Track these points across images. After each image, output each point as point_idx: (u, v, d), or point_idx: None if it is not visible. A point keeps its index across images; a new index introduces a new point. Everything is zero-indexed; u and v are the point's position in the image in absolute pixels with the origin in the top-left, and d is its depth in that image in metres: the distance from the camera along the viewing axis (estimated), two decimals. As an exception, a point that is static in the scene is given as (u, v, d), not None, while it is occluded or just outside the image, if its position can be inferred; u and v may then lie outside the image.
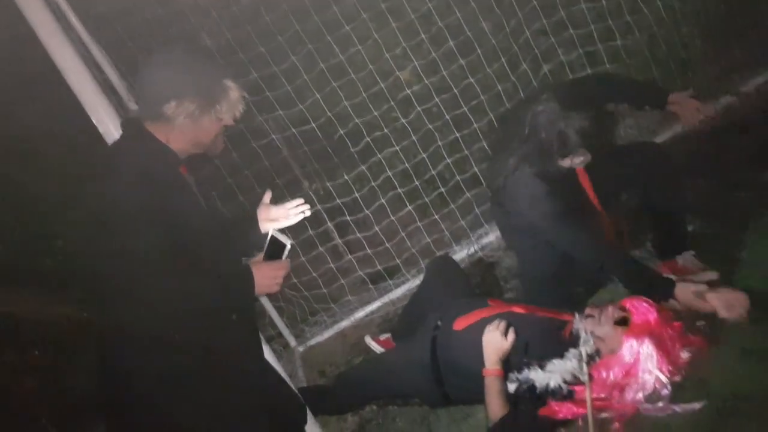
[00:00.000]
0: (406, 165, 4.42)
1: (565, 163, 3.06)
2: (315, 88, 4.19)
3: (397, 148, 4.40)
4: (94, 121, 3.22)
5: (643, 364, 2.60)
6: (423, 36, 4.06)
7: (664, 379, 2.58)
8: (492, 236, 4.42)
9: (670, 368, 2.60)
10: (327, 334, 4.41)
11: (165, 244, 2.12)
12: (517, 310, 3.03)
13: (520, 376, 2.78)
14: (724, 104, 4.63)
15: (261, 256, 2.48)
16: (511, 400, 2.79)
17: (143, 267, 2.11)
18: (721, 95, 4.66)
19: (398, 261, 4.43)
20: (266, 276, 2.36)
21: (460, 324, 3.07)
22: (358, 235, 4.36)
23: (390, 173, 4.32)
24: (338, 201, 4.30)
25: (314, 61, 4.17)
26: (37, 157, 4.56)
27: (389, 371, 3.30)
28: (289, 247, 2.47)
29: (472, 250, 4.39)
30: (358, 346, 4.06)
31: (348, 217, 4.36)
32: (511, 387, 2.78)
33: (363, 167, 4.33)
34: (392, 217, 4.29)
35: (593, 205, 3.25)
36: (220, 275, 2.31)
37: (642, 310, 2.69)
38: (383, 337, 3.79)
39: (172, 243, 2.13)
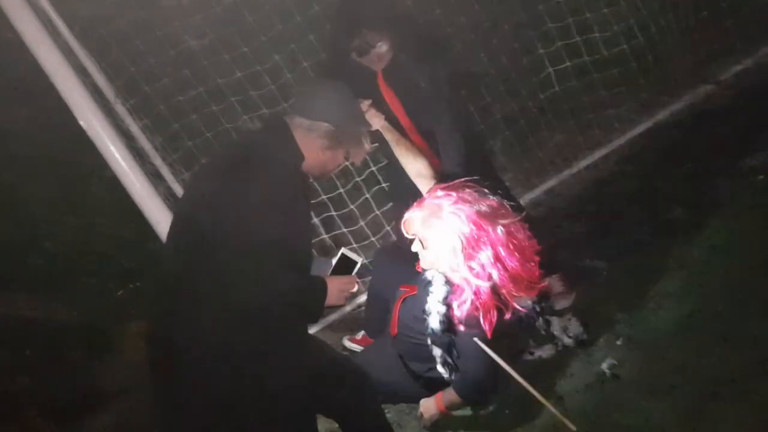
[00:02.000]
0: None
1: None
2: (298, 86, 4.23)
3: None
4: (81, 123, 3.29)
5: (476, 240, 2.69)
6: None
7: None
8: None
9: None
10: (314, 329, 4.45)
11: (279, 241, 2.30)
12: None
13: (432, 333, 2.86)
14: (703, 92, 4.70)
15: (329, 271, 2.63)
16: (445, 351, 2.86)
17: (255, 254, 2.26)
18: (700, 84, 4.74)
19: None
20: (338, 288, 2.50)
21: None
22: (344, 230, 4.40)
23: (374, 168, 4.37)
24: (324, 197, 4.34)
25: (297, 60, 4.21)
26: (25, 160, 4.59)
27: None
28: (359, 264, 2.64)
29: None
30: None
31: (334, 213, 4.40)
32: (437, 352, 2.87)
33: (347, 163, 4.37)
34: (377, 212, 4.34)
35: None
36: (302, 282, 2.47)
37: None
38: (359, 335, 3.84)
39: (283, 241, 2.31)
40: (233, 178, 2.37)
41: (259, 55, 4.14)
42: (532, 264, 2.75)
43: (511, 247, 2.69)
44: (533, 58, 4.63)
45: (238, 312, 2.27)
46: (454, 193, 2.76)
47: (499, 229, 2.68)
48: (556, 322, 3.29)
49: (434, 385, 3.04)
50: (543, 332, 3.20)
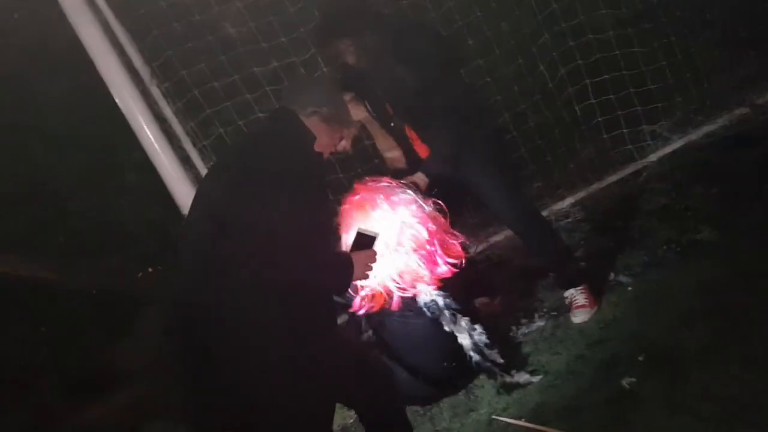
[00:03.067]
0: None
1: None
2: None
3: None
4: (117, 101, 3.30)
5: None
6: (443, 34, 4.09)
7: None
8: (501, 236, 4.45)
9: None
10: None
11: (300, 218, 2.37)
12: None
13: None
14: (738, 115, 4.65)
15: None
16: None
17: (284, 234, 2.31)
18: (736, 106, 4.69)
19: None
20: (362, 263, 2.60)
21: None
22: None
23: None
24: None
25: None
26: (59, 136, 4.61)
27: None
28: (379, 237, 2.72)
29: (478, 249, 4.40)
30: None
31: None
32: None
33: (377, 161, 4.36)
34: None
35: None
36: (329, 257, 2.60)
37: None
38: None
39: (309, 218, 2.42)
40: (252, 162, 2.50)
41: (297, 46, 4.14)
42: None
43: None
44: (571, 69, 4.60)
45: (269, 290, 2.30)
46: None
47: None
48: (464, 321, 3.24)
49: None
50: (449, 327, 3.20)
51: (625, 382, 3.00)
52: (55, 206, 4.75)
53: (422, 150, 3.47)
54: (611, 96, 4.60)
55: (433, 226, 3.10)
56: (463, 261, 3.17)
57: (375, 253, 2.70)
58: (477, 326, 3.25)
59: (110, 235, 4.84)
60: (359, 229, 2.72)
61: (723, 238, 3.64)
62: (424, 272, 3.09)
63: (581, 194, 4.54)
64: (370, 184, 3.15)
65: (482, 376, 3.35)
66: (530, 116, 4.65)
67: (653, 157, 4.62)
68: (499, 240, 4.46)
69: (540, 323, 3.64)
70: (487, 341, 3.24)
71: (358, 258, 2.58)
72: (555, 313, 3.65)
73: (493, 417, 3.16)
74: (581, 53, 4.60)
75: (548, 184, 4.64)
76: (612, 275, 3.69)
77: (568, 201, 4.53)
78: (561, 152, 4.69)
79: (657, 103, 4.66)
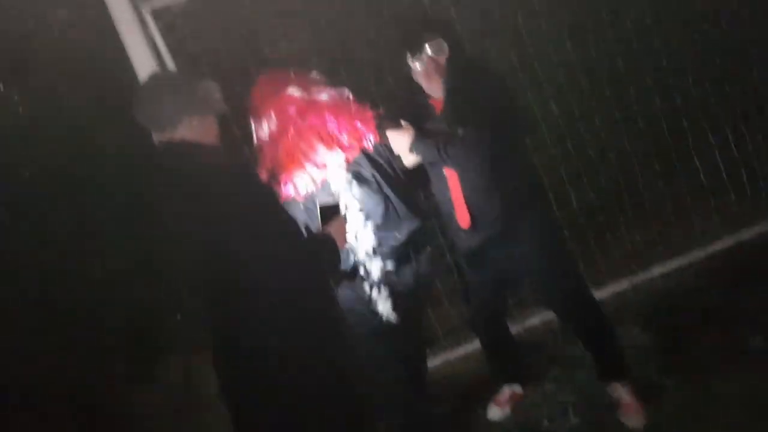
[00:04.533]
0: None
1: None
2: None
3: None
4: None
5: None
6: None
7: None
8: (537, 319, 4.30)
9: None
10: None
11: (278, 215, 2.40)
12: None
13: None
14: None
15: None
16: None
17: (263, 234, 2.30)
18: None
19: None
20: (340, 231, 2.66)
21: None
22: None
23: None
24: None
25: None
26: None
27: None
28: (339, 202, 2.79)
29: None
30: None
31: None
32: None
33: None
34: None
35: None
36: (311, 243, 2.54)
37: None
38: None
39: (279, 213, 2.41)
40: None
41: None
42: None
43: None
44: (619, 152, 4.53)
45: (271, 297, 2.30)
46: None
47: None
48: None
49: None
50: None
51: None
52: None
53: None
54: (660, 185, 4.51)
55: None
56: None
57: (344, 219, 2.76)
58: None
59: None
60: (320, 204, 2.72)
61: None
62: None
63: (624, 285, 4.38)
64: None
65: None
66: (574, 197, 4.54)
67: (702, 253, 4.45)
68: (536, 324, 4.31)
69: (574, 420, 3.46)
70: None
71: (333, 227, 2.62)
72: (593, 410, 3.46)
73: None
74: (630, 140, 4.53)
75: (589, 271, 4.49)
76: (654, 375, 3.51)
77: (610, 290, 4.36)
78: (605, 238, 4.56)
79: (709, 197, 4.55)
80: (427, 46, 2.98)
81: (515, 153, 3.17)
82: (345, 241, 2.72)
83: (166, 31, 3.66)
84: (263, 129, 2.85)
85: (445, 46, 3.01)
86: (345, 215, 2.79)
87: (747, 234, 4.48)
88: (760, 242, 4.41)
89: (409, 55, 3.04)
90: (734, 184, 4.59)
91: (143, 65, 3.26)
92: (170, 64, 3.50)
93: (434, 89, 3.09)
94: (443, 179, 3.17)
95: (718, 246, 4.46)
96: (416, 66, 3.04)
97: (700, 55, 4.66)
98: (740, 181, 4.61)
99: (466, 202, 3.14)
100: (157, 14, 3.63)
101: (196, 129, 2.41)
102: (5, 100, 4.64)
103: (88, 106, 4.55)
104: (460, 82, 3.01)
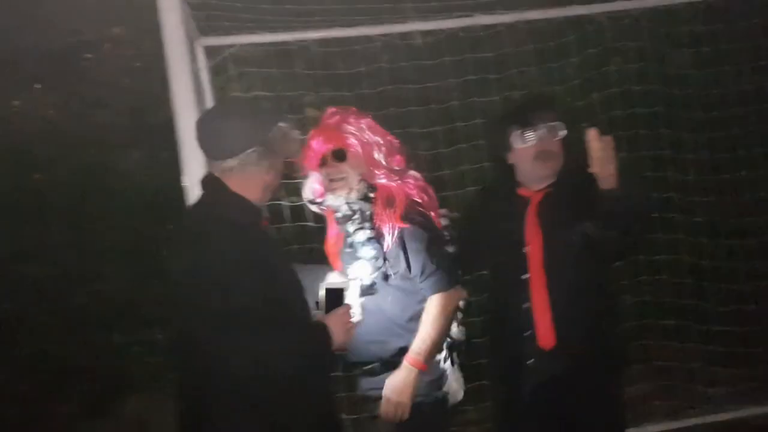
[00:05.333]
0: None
1: None
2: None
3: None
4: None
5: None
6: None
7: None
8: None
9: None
10: None
11: (258, 301, 2.09)
12: None
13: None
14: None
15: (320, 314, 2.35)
16: None
17: (239, 324, 2.06)
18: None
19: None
20: (339, 325, 2.27)
21: None
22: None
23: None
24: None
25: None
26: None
27: None
28: (348, 287, 2.41)
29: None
30: None
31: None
32: None
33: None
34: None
35: None
36: (301, 332, 2.25)
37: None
38: None
39: (264, 299, 2.10)
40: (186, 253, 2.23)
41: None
42: None
43: None
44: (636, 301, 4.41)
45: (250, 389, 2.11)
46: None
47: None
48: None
49: None
50: None
51: None
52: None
53: None
54: (673, 342, 4.41)
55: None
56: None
57: (349, 307, 2.36)
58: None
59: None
60: (326, 286, 2.37)
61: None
62: None
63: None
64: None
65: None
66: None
67: (698, 421, 4.23)
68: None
69: None
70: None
71: (332, 320, 2.27)
72: None
73: None
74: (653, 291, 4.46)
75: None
76: None
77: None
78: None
79: (720, 365, 4.40)
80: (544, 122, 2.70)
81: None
82: (346, 336, 2.32)
83: (215, 72, 3.65)
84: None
85: (563, 126, 2.73)
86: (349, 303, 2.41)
87: (751, 411, 4.25)
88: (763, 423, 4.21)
89: (516, 132, 2.72)
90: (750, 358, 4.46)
91: (182, 97, 3.12)
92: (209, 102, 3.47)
93: (537, 175, 2.77)
94: (519, 284, 2.71)
95: (719, 416, 4.25)
96: (524, 142, 2.71)
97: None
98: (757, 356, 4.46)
99: (554, 316, 2.67)
100: (209, 52, 3.65)
101: (254, 165, 2.24)
102: (40, 99, 4.62)
103: (116, 123, 4.49)
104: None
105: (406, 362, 2.55)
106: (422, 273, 2.58)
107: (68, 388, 4.37)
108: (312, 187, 2.77)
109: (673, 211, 4.42)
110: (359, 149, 2.63)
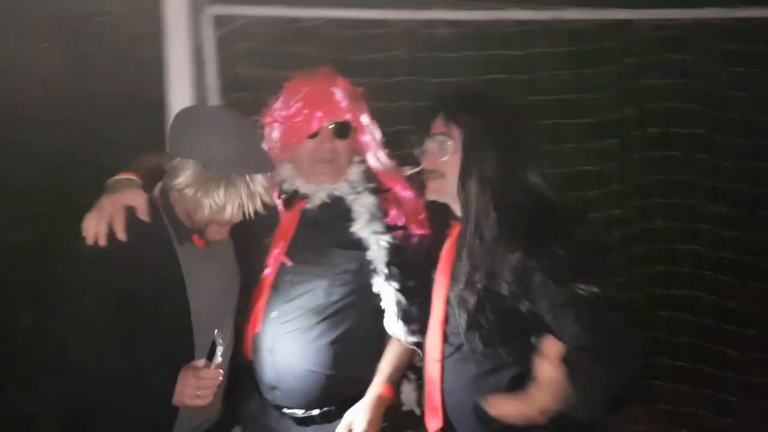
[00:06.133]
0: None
1: None
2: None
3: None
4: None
5: None
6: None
7: None
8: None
9: None
10: None
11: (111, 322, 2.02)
12: None
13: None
14: None
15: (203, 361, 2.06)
16: None
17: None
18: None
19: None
20: (188, 385, 2.01)
21: None
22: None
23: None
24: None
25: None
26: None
27: None
28: (220, 347, 2.01)
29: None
30: None
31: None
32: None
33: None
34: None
35: None
36: (144, 376, 2.05)
37: None
38: None
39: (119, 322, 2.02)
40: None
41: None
42: None
43: None
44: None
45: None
46: None
47: None
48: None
49: None
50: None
51: None
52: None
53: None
54: (683, 387, 4.18)
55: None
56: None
57: (214, 373, 2.04)
58: None
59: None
60: (217, 332, 2.06)
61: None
62: None
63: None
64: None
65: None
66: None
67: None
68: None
69: None
70: None
71: (185, 377, 2.02)
72: None
73: None
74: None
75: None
76: None
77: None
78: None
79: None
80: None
81: None
82: (194, 399, 2.04)
83: (221, 44, 3.39)
84: None
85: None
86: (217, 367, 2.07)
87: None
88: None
89: None
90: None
91: (177, 70, 3.09)
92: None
93: None
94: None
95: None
96: None
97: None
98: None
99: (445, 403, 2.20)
100: (218, 21, 3.38)
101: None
102: (47, 56, 4.42)
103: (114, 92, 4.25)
104: None
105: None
106: None
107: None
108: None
109: (700, 244, 4.14)
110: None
